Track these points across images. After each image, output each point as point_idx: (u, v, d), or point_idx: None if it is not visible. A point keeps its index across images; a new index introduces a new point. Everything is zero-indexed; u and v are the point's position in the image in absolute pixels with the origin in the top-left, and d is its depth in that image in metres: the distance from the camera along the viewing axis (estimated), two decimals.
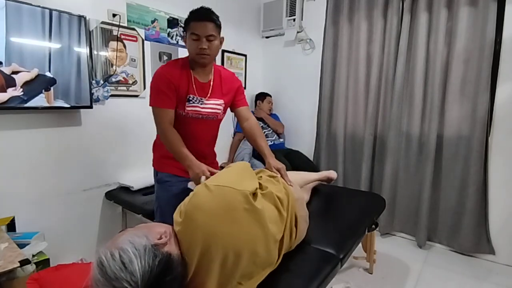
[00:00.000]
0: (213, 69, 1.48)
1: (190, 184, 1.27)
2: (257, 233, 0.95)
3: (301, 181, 1.72)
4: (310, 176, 1.90)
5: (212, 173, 1.21)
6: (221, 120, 1.56)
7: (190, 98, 1.41)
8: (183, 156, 1.31)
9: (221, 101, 1.49)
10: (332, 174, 2.03)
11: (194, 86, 1.41)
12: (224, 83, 1.51)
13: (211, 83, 1.47)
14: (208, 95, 1.45)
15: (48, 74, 1.68)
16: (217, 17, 1.37)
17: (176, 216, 0.94)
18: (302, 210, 1.30)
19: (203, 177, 1.17)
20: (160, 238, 0.83)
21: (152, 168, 1.58)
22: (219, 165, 1.65)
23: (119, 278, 0.70)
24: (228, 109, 1.60)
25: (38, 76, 1.64)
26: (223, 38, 1.43)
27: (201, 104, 1.44)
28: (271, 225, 1.00)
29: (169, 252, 0.81)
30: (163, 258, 0.78)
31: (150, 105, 1.38)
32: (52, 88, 1.70)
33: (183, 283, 0.84)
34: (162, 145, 1.42)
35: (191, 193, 0.97)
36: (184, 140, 1.38)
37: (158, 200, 1.54)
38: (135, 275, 0.71)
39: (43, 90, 1.67)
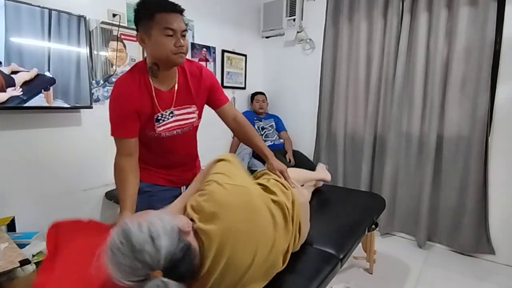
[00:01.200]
0: (176, 70, 1.23)
1: None
2: (271, 236, 0.95)
3: (303, 179, 1.71)
4: (311, 175, 1.89)
5: None
6: (197, 127, 1.38)
7: (159, 118, 1.20)
8: (121, 199, 1.14)
9: (193, 108, 1.28)
10: (327, 177, 1.98)
11: (156, 101, 1.17)
12: (192, 83, 1.26)
13: (175, 89, 1.22)
14: (173, 104, 1.22)
15: (47, 74, 1.68)
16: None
17: (191, 212, 0.91)
18: (306, 214, 1.30)
19: None
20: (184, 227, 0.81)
21: None
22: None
23: (143, 251, 0.69)
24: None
25: (37, 76, 1.64)
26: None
27: (172, 117, 1.23)
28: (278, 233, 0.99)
29: (190, 242, 0.80)
30: (186, 245, 0.77)
31: (111, 134, 1.18)
32: (51, 88, 1.70)
33: (195, 276, 0.83)
34: (140, 153, 1.25)
35: (203, 191, 0.94)
36: (159, 157, 1.30)
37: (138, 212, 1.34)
38: (160, 251, 0.70)
39: (43, 90, 1.67)
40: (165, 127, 1.22)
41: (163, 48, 1.09)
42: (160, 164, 1.34)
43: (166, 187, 1.34)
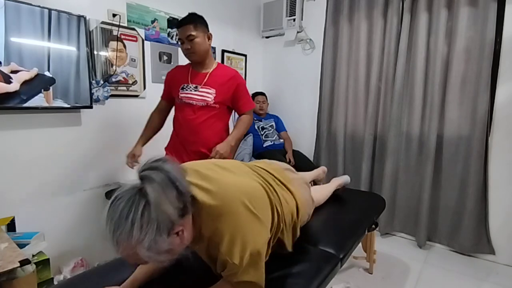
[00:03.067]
0: (214, 65, 1.71)
1: None
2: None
3: (322, 198, 1.69)
4: (330, 188, 1.83)
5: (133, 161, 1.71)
6: (213, 109, 1.67)
7: (184, 86, 1.68)
8: (143, 133, 1.79)
9: (213, 90, 1.66)
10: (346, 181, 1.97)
11: (189, 76, 1.68)
12: (222, 77, 1.69)
13: (208, 74, 1.68)
14: (203, 83, 1.66)
15: (47, 73, 1.68)
16: (196, 17, 1.62)
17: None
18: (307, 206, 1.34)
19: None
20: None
21: None
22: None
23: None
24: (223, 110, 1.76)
25: (37, 75, 1.64)
26: (210, 34, 1.67)
27: (195, 90, 1.66)
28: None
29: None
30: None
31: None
32: (51, 88, 1.70)
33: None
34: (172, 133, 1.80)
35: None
36: (175, 127, 1.76)
37: None
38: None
39: (42, 90, 1.67)
40: (185, 95, 1.67)
41: (183, 52, 1.67)
42: (177, 138, 1.75)
43: None
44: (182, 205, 0.75)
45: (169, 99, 1.79)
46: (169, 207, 0.72)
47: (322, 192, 1.75)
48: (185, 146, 1.72)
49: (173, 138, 1.81)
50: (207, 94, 1.66)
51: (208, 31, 1.68)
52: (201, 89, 1.66)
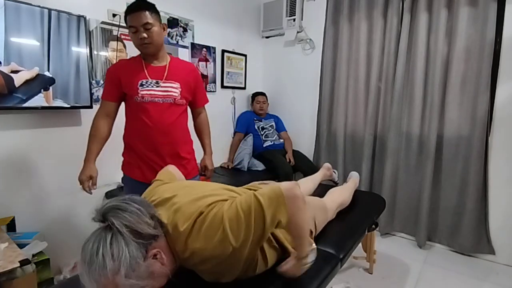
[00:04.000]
0: (168, 58, 1.52)
1: None
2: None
3: (340, 202, 1.68)
4: (347, 194, 1.81)
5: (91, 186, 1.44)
6: (180, 106, 1.52)
7: (143, 83, 1.44)
8: (87, 152, 1.45)
9: (177, 84, 1.49)
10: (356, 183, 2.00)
11: (146, 71, 1.45)
12: (183, 68, 1.55)
13: (166, 67, 1.49)
14: (165, 77, 1.47)
15: (47, 73, 1.68)
16: (151, 5, 1.39)
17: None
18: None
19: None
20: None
21: None
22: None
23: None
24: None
25: (37, 75, 1.64)
26: (165, 24, 1.48)
27: (157, 86, 1.45)
28: None
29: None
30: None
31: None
32: (51, 88, 1.70)
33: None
34: (126, 137, 1.54)
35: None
36: (139, 132, 1.47)
37: None
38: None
39: (42, 90, 1.67)
40: (148, 92, 1.43)
41: (133, 42, 1.43)
42: (140, 145, 1.49)
43: (146, 184, 1.25)
44: (151, 228, 0.75)
45: (119, 99, 1.49)
46: (137, 233, 0.72)
47: (341, 193, 1.76)
48: (158, 150, 1.48)
49: (135, 145, 1.50)
50: (173, 89, 1.48)
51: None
52: (163, 84, 1.46)
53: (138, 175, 1.51)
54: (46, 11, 1.64)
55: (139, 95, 1.42)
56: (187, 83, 1.53)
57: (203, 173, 1.74)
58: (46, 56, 1.67)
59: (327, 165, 2.07)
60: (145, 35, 1.37)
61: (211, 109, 3.06)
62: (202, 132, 1.73)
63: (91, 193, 1.46)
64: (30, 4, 1.59)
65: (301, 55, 3.07)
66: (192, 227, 0.81)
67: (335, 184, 2.14)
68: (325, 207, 1.50)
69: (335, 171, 2.15)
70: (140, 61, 1.47)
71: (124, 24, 2.07)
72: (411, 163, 2.45)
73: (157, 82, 1.45)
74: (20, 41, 1.58)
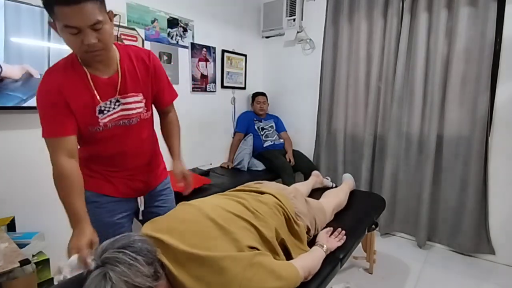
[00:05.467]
0: (116, 56, 1.06)
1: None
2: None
3: (336, 204, 1.70)
4: (343, 195, 1.83)
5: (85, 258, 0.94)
6: (147, 120, 1.19)
7: (102, 109, 1.04)
8: (72, 212, 1.02)
9: (140, 97, 1.12)
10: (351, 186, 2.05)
11: (94, 89, 1.01)
12: (139, 68, 1.12)
13: (118, 74, 1.06)
14: (119, 90, 1.06)
15: None
16: None
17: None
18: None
19: (73, 257, 0.96)
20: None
21: None
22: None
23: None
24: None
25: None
26: (111, 12, 0.96)
27: (119, 106, 1.07)
28: None
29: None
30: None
31: (42, 136, 1.03)
32: None
33: None
34: (84, 157, 1.11)
35: None
36: (108, 158, 1.13)
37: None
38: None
39: None
40: (110, 117, 1.06)
41: (73, 48, 0.94)
42: (109, 168, 1.15)
43: (116, 198, 1.16)
44: (149, 280, 0.74)
45: (73, 130, 1.02)
46: (137, 280, 0.71)
47: (336, 195, 1.79)
48: (128, 171, 1.18)
49: (95, 166, 1.15)
50: (136, 105, 1.11)
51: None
52: (124, 101, 1.08)
53: (108, 189, 1.17)
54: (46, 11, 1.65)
55: (101, 124, 1.05)
56: (147, 87, 1.15)
57: (182, 183, 1.26)
58: (46, 57, 1.67)
59: (315, 172, 2.13)
60: (95, 40, 0.90)
61: (211, 109, 3.06)
62: (171, 133, 1.30)
63: (89, 267, 0.85)
64: (31, 4, 1.59)
65: (301, 55, 3.07)
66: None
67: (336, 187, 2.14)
68: (323, 208, 1.52)
69: (328, 178, 2.19)
70: (83, 72, 1.01)
71: (124, 24, 2.09)
72: (411, 163, 2.45)
73: (116, 101, 1.07)
74: (21, 41, 1.58)
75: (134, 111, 1.11)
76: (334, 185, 2.16)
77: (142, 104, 1.13)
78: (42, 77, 1.01)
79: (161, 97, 1.23)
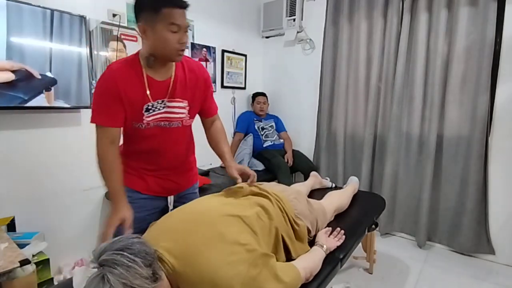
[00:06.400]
0: (173, 66, 1.19)
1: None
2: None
3: (337, 205, 1.70)
4: (346, 197, 1.84)
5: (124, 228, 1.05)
6: (188, 127, 1.28)
7: (149, 107, 1.13)
8: (110, 191, 1.12)
9: (184, 103, 1.21)
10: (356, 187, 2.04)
11: (148, 89, 1.12)
12: (190, 78, 1.22)
13: (171, 80, 1.16)
14: (169, 94, 1.16)
15: (48, 74, 1.68)
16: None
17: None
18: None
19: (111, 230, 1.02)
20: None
21: None
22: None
23: None
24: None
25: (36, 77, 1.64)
26: None
27: (164, 108, 1.16)
28: None
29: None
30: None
31: (90, 121, 1.11)
32: (52, 88, 1.70)
33: None
34: (124, 153, 1.20)
35: None
36: (145, 156, 1.21)
37: None
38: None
39: (44, 90, 1.67)
40: (154, 117, 1.16)
41: (167, 44, 1.05)
42: (144, 165, 1.24)
43: (148, 196, 1.24)
44: (148, 282, 0.74)
45: (121, 123, 1.14)
46: (135, 282, 0.71)
47: (340, 196, 1.79)
48: (163, 169, 1.27)
49: (133, 162, 1.23)
50: (180, 110, 1.20)
51: None
52: (169, 104, 1.17)
53: (141, 186, 1.25)
54: (47, 11, 1.65)
55: (144, 122, 1.14)
56: (195, 97, 1.25)
57: (239, 179, 1.33)
58: (48, 57, 1.67)
59: (313, 173, 2.14)
60: (186, 39, 1.08)
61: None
62: (219, 141, 1.38)
63: None
64: (31, 5, 1.59)
65: (301, 55, 3.07)
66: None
67: (336, 188, 2.14)
68: (324, 209, 1.52)
69: (327, 178, 2.21)
70: (140, 71, 1.11)
71: (124, 24, 2.09)
72: (411, 163, 2.45)
73: (163, 102, 1.16)
74: (22, 41, 1.58)
75: (176, 115, 1.20)
76: (333, 185, 2.17)
77: (186, 111, 1.22)
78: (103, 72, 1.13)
79: (208, 106, 1.34)
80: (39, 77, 1.64)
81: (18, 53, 1.57)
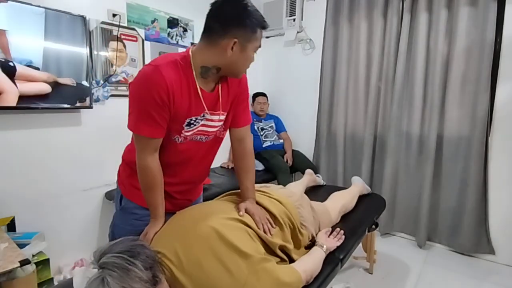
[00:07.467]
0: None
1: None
2: None
3: (342, 206, 1.69)
4: (350, 198, 1.82)
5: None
6: (220, 138, 1.18)
7: (191, 121, 1.02)
8: (149, 204, 1.05)
9: (223, 116, 1.11)
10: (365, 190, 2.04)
11: (202, 101, 1.01)
12: (233, 89, 1.13)
13: (219, 92, 1.06)
14: (213, 107, 1.07)
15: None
16: None
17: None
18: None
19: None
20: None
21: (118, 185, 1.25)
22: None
23: None
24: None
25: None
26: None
27: (203, 120, 1.05)
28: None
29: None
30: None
31: (129, 127, 0.99)
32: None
33: None
34: (134, 163, 1.05)
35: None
36: (168, 171, 1.08)
37: (116, 229, 1.19)
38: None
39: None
40: (192, 131, 1.04)
41: (246, 64, 1.06)
42: (166, 179, 1.09)
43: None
44: (151, 276, 0.74)
45: (165, 133, 1.01)
46: (135, 285, 0.71)
47: (343, 196, 1.79)
48: (183, 184, 1.18)
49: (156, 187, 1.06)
50: (217, 123, 1.10)
51: None
52: (208, 117, 1.06)
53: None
54: (48, 11, 1.65)
55: (182, 135, 1.03)
56: (234, 107, 1.15)
57: (273, 225, 1.14)
58: (48, 57, 1.67)
59: (309, 171, 2.17)
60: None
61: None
62: (246, 170, 1.24)
63: None
64: (31, 4, 1.59)
65: (301, 55, 3.07)
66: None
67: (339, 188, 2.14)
68: (327, 210, 1.53)
69: (318, 175, 2.24)
70: (193, 81, 0.98)
71: (124, 24, 2.09)
72: (411, 163, 2.45)
73: (203, 115, 1.04)
74: (21, 41, 1.58)
75: (213, 129, 1.10)
76: (324, 183, 2.23)
77: (221, 123, 1.12)
78: (145, 68, 0.95)
79: (238, 116, 1.18)
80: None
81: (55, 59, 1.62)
